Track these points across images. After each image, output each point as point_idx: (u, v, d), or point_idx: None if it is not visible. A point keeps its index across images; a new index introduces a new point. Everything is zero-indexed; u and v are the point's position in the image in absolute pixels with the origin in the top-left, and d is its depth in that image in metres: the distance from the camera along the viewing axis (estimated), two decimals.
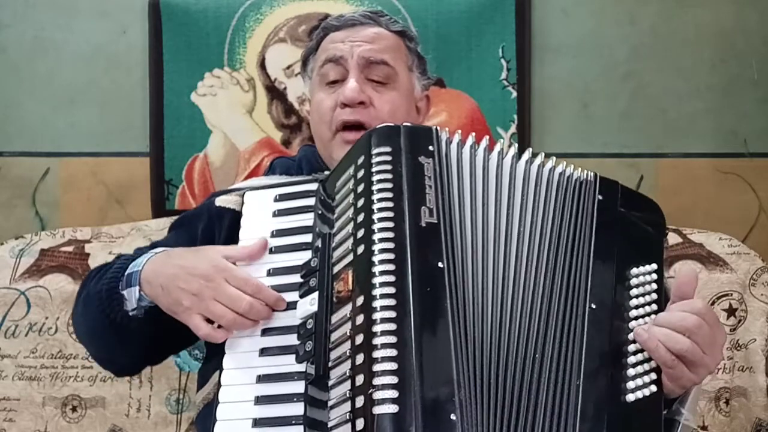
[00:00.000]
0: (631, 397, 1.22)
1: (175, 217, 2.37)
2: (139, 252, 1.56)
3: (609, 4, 2.58)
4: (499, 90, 2.55)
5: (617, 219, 1.37)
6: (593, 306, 1.27)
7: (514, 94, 2.55)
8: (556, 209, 1.34)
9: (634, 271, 1.32)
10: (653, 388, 1.24)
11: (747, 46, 2.56)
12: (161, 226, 2.38)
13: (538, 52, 2.57)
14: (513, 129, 2.54)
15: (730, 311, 2.23)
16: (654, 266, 1.34)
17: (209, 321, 1.33)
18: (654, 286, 1.32)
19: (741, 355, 2.22)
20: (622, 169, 2.54)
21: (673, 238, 2.31)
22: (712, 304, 2.22)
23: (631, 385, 1.23)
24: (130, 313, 1.45)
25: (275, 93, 2.58)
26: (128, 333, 1.48)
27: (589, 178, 1.39)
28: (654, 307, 1.31)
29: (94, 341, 1.59)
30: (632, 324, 1.28)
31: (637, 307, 1.29)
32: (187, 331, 1.39)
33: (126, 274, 1.46)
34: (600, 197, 1.37)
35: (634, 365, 1.24)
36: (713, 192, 2.56)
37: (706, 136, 2.58)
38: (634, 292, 1.31)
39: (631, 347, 1.26)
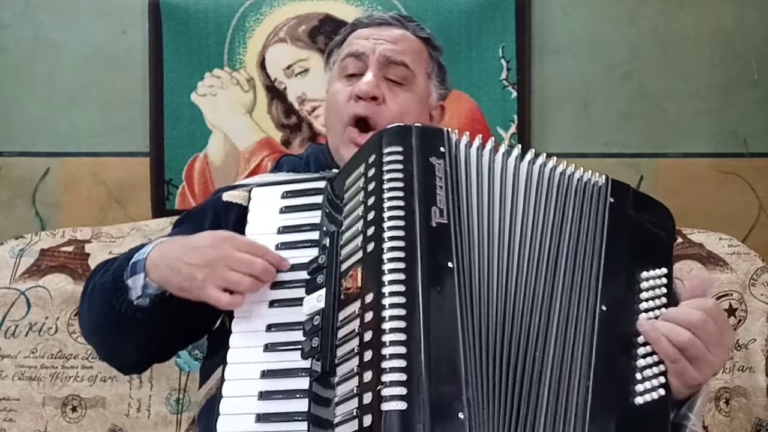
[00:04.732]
0: (639, 400, 1.22)
1: (175, 217, 2.38)
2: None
3: (609, 4, 2.58)
4: (499, 90, 2.56)
5: (628, 222, 1.37)
6: (604, 308, 1.27)
7: (514, 94, 2.55)
8: (569, 212, 1.35)
9: (644, 275, 1.32)
10: (662, 391, 1.24)
11: (747, 46, 2.57)
12: (161, 226, 2.38)
13: (538, 52, 2.58)
14: (513, 129, 2.54)
15: (730, 311, 2.23)
16: (664, 270, 1.34)
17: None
18: (664, 290, 1.32)
19: (741, 355, 2.22)
20: (622, 169, 2.54)
21: None
22: None
23: (640, 387, 1.23)
24: (135, 302, 1.44)
25: (275, 93, 2.59)
26: (133, 324, 1.46)
27: (601, 181, 1.40)
28: (663, 311, 1.30)
29: (99, 336, 1.57)
30: None
31: (646, 310, 1.29)
32: (192, 322, 1.38)
33: (131, 263, 1.45)
34: (612, 200, 1.37)
35: (643, 368, 1.24)
36: (713, 192, 2.56)
37: (706, 136, 2.58)
38: (644, 295, 1.31)
39: (641, 350, 1.26)
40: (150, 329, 1.48)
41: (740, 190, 2.57)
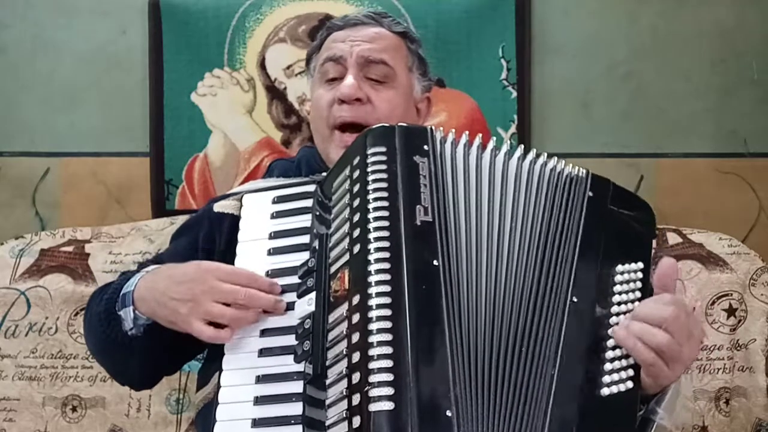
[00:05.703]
0: (606, 392, 1.22)
1: (175, 217, 2.40)
2: (141, 268, 1.57)
3: (609, 4, 2.58)
4: (499, 90, 2.55)
5: (606, 216, 1.37)
6: (575, 299, 1.27)
7: (514, 94, 2.55)
8: (546, 204, 1.34)
9: (620, 268, 1.32)
10: (630, 384, 1.23)
11: (747, 46, 2.56)
12: (161, 226, 2.38)
13: (538, 52, 2.58)
14: (513, 129, 2.54)
15: (730, 311, 2.23)
16: (640, 265, 1.34)
17: (212, 324, 1.34)
18: (638, 284, 1.32)
19: (741, 355, 2.21)
20: (622, 169, 2.54)
21: (673, 238, 2.31)
22: (712, 304, 2.22)
23: (607, 379, 1.22)
24: (129, 333, 1.46)
25: (275, 93, 2.59)
26: (132, 351, 1.49)
27: (581, 174, 1.40)
28: (637, 305, 1.30)
29: (104, 359, 1.60)
30: (613, 320, 1.28)
31: (619, 303, 1.29)
32: (193, 341, 1.39)
33: (121, 294, 1.47)
34: (591, 194, 1.37)
35: (612, 360, 1.24)
36: (713, 192, 2.56)
37: (706, 136, 2.58)
38: (617, 288, 1.30)
39: (610, 342, 1.26)
40: (149, 352, 1.50)
41: (740, 190, 2.56)
